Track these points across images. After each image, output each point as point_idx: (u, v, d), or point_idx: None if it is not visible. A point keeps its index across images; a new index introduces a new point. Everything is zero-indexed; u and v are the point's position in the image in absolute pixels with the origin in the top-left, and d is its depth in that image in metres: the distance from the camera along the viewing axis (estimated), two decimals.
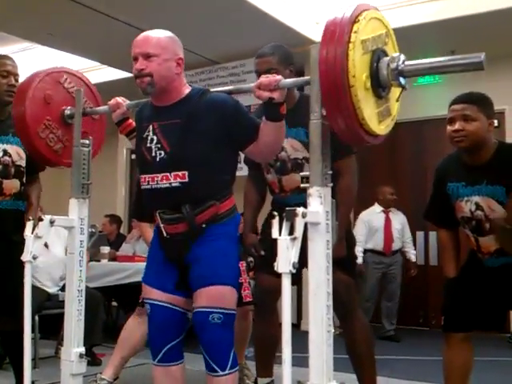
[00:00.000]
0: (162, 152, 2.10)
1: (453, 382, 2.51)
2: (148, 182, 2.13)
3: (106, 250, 5.23)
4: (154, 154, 2.12)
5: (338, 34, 1.59)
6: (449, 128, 2.40)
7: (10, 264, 2.31)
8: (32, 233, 2.17)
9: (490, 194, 2.38)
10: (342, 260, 2.44)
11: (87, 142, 2.39)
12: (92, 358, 3.77)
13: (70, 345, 2.27)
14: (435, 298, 5.14)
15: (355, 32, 1.59)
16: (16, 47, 6.73)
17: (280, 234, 1.60)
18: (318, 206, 1.68)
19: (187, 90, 2.17)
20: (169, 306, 2.16)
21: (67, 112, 2.47)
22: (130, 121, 2.38)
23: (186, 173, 2.06)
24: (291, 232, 1.61)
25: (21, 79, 2.82)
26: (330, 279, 1.69)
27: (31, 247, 2.16)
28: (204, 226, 2.10)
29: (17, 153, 2.82)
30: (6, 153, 2.77)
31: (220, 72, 6.31)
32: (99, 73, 6.76)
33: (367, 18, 1.65)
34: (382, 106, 1.75)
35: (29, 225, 2.20)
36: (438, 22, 4.99)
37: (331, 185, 1.74)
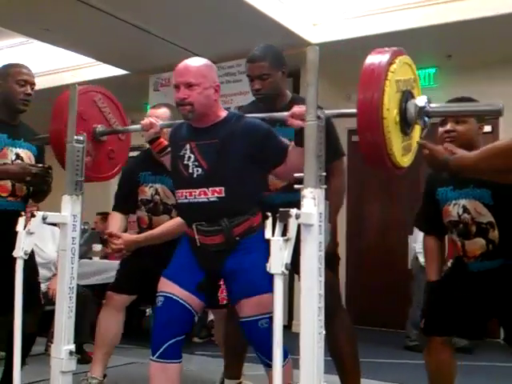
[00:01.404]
0: (200, 169, 2.26)
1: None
2: (185, 196, 2.28)
3: (98, 247, 5.22)
4: (191, 171, 2.28)
5: (376, 72, 1.77)
6: (441, 129, 2.48)
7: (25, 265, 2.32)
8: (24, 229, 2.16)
9: (477, 197, 2.44)
10: (327, 257, 2.46)
11: (81, 138, 2.39)
12: (83, 356, 3.76)
13: (61, 342, 2.26)
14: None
15: (392, 72, 1.79)
16: (12, 41, 6.72)
17: (273, 235, 1.60)
18: (311, 207, 1.68)
19: (224, 113, 2.35)
20: (183, 302, 2.26)
21: (99, 129, 2.65)
22: (162, 139, 2.55)
23: (223, 188, 2.22)
24: (284, 233, 1.62)
25: None
26: (322, 281, 1.69)
27: (23, 243, 2.15)
28: (238, 238, 2.25)
29: (28, 157, 2.92)
30: (18, 156, 2.87)
31: None
32: (94, 69, 6.74)
33: (401, 62, 1.86)
34: (406, 142, 1.91)
35: (20, 221, 2.19)
36: (434, 26, 4.97)
37: (325, 186, 1.74)
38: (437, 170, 2.26)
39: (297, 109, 2.05)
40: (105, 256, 5.28)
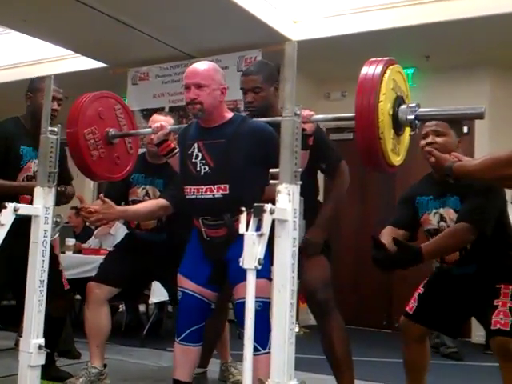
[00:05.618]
0: (207, 167, 2.45)
1: (414, 375, 2.66)
2: (193, 192, 2.48)
3: (71, 242, 5.17)
4: (198, 169, 2.47)
5: (375, 69, 1.88)
6: (422, 142, 2.59)
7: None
8: None
9: (451, 205, 2.56)
10: (325, 246, 2.75)
11: (56, 129, 2.36)
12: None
13: (30, 335, 2.22)
14: (399, 301, 5.18)
15: (389, 69, 1.91)
16: None
17: (247, 230, 1.60)
18: (286, 203, 1.68)
19: (229, 115, 2.54)
20: (198, 296, 2.54)
21: (111, 133, 2.77)
22: (169, 142, 2.69)
23: (228, 186, 2.40)
24: (258, 228, 1.61)
25: None
26: (295, 276, 1.69)
27: None
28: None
29: None
30: None
31: None
32: (73, 62, 6.65)
33: (396, 69, 1.97)
34: (396, 142, 1.98)
35: None
36: (413, 26, 4.99)
37: (300, 182, 1.74)
38: (442, 175, 2.38)
39: (303, 112, 2.07)
40: (78, 251, 5.22)
